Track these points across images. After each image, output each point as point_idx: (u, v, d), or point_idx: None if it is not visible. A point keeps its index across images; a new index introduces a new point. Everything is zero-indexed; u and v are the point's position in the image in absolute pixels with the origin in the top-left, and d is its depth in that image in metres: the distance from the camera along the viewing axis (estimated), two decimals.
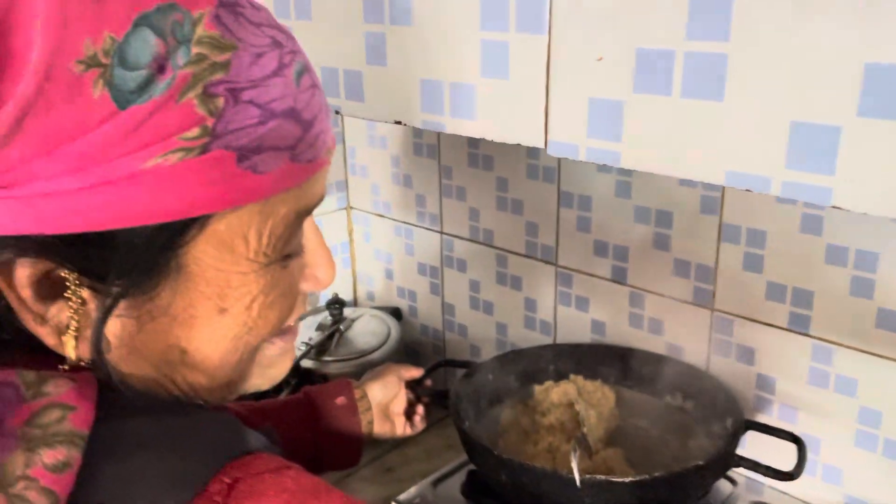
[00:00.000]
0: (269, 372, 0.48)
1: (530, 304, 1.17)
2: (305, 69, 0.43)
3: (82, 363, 0.41)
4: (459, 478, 0.98)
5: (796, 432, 0.86)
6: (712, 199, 0.93)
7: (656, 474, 0.76)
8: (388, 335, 1.26)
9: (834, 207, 0.43)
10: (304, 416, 0.87)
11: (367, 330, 1.28)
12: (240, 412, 0.85)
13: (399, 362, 1.04)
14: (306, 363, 1.20)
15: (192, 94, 0.37)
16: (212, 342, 0.43)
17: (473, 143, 1.16)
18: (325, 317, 1.28)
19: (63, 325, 0.40)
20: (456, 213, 1.22)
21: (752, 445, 0.92)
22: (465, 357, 1.27)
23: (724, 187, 0.92)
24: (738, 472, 0.99)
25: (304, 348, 1.20)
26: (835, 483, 0.92)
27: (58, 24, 0.34)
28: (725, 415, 0.91)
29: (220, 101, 0.37)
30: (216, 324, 0.42)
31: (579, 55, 0.52)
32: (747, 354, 0.95)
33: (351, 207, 1.41)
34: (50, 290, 0.39)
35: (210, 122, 0.37)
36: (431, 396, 1.01)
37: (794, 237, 0.87)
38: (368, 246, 1.40)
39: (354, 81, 0.68)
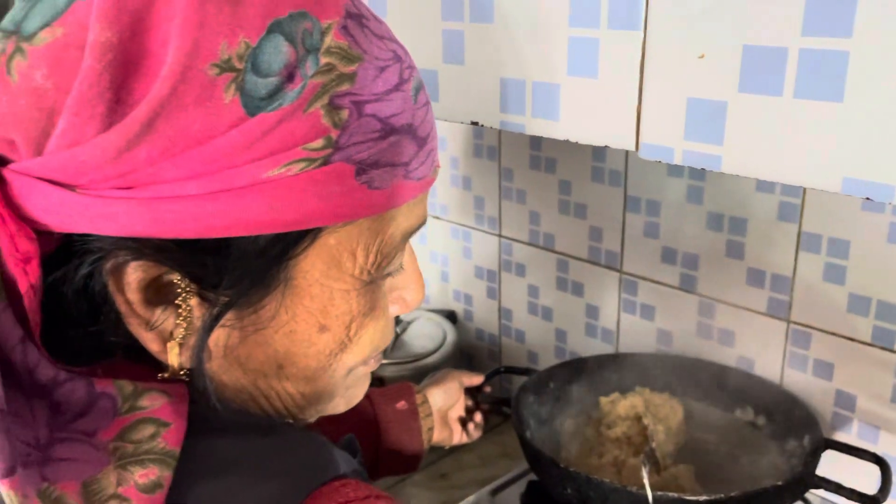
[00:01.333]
0: (350, 392, 0.47)
1: (592, 311, 1.14)
2: (421, 85, 0.42)
3: (182, 372, 0.40)
4: (518, 488, 0.96)
5: (877, 453, 0.81)
6: (791, 206, 0.89)
7: (732, 494, 0.72)
8: (444, 339, 1.24)
9: None
10: (364, 419, 0.86)
11: (423, 333, 1.26)
12: None
13: (455, 367, 1.02)
14: None
15: (319, 104, 0.36)
16: (309, 358, 0.42)
17: (535, 144, 1.13)
18: None
19: (168, 332, 0.39)
20: (516, 216, 1.20)
21: (828, 466, 0.88)
22: (523, 364, 1.24)
23: (804, 194, 0.88)
24: (815, 494, 0.94)
25: None
26: None
27: (195, 24, 0.34)
28: (802, 432, 0.86)
29: (345, 114, 0.37)
30: (315, 340, 0.41)
31: (678, 53, 0.49)
32: (825, 369, 0.91)
33: None
34: (158, 295, 0.38)
35: (335, 134, 0.36)
36: (491, 404, 0.98)
37: (881, 247, 0.83)
38: (424, 248, 1.39)
39: (429, 80, 0.66)
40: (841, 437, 0.90)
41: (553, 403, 0.99)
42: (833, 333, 0.89)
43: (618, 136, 0.54)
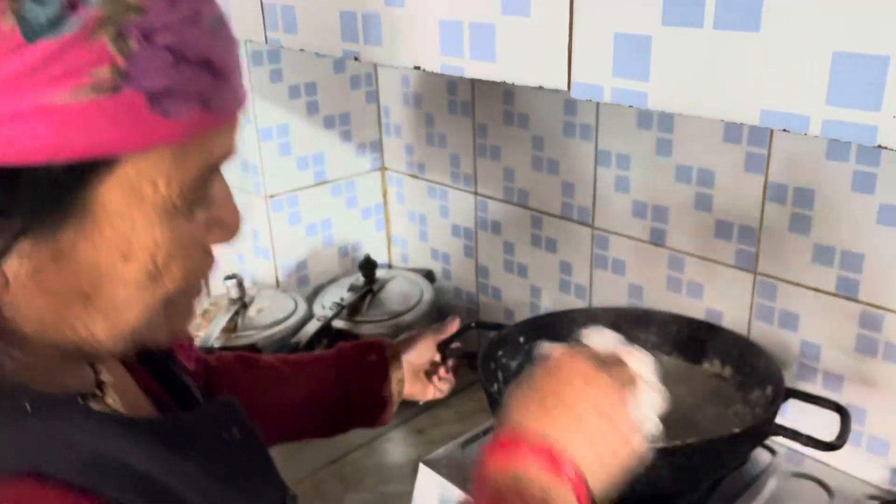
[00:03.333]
0: (172, 324, 0.47)
1: (565, 267, 1.14)
2: (223, 20, 0.42)
3: None
4: (489, 440, 0.97)
5: (841, 402, 0.81)
6: (758, 157, 0.88)
7: (690, 441, 0.73)
8: (421, 297, 1.25)
9: (879, 147, 0.39)
10: (335, 371, 0.87)
11: (400, 292, 1.26)
12: (274, 364, 0.85)
13: (432, 326, 1.02)
14: (338, 324, 1.19)
15: (104, 33, 0.36)
16: (116, 288, 0.42)
17: (509, 99, 1.12)
18: (357, 278, 1.27)
19: None
20: (490, 173, 1.19)
21: (794, 415, 0.88)
22: (499, 320, 1.24)
23: (770, 144, 0.87)
24: (779, 443, 0.95)
25: (335, 309, 1.19)
26: (880, 455, 0.87)
27: None
28: (766, 382, 0.87)
29: (133, 43, 0.37)
30: (120, 270, 0.41)
31: None
32: (791, 321, 0.91)
33: (385, 168, 1.39)
34: None
35: (121, 63, 0.37)
36: (459, 358, 0.99)
37: (845, 196, 0.82)
38: (402, 207, 1.38)
39: (373, 26, 0.65)
40: (806, 387, 0.90)
41: (524, 357, 1.00)
42: (798, 284, 0.89)
43: (551, 76, 0.53)
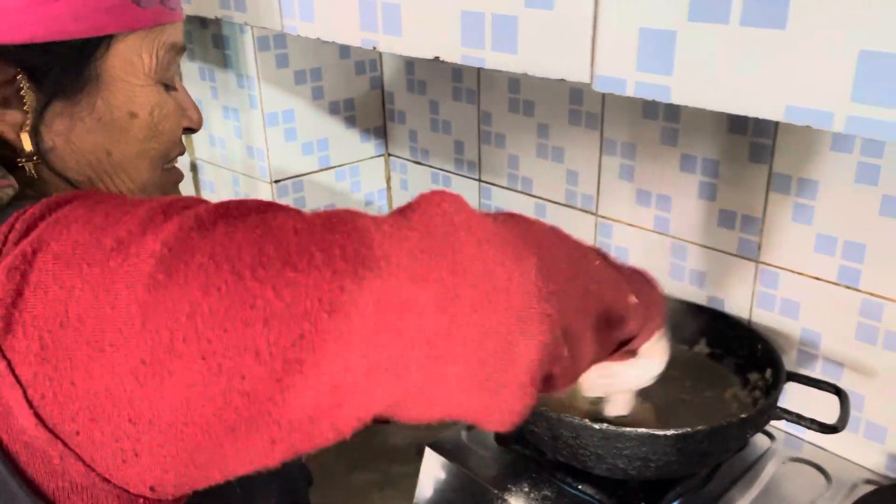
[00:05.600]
0: (166, 189, 0.61)
1: None
2: None
3: (35, 158, 0.53)
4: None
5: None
6: (763, 147, 0.89)
7: (699, 427, 0.74)
8: None
9: None
10: None
11: None
12: None
13: None
14: None
15: None
16: (129, 144, 0.56)
17: (514, 87, 1.13)
18: None
19: (17, 123, 0.52)
20: (495, 160, 1.20)
21: (793, 401, 0.90)
22: None
23: (775, 135, 0.88)
24: (778, 428, 0.97)
25: None
26: (878, 441, 0.89)
27: None
28: (765, 366, 0.88)
29: None
30: (129, 126, 0.55)
31: None
32: (792, 308, 0.93)
33: (389, 154, 1.40)
34: (6, 95, 0.51)
35: None
36: None
37: (848, 187, 0.84)
38: (406, 193, 1.39)
39: (392, 15, 0.66)
40: (806, 374, 0.92)
41: None
42: (800, 273, 0.91)
43: (573, 69, 0.54)
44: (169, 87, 0.59)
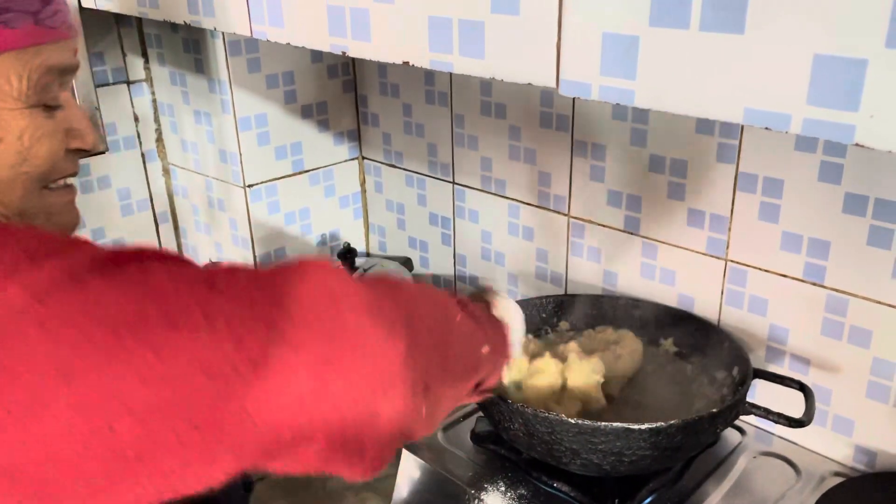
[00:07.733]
0: (56, 219, 0.58)
1: (542, 255, 1.16)
2: None
3: None
4: (468, 424, 0.99)
5: (807, 383, 0.85)
6: (729, 147, 0.91)
7: (672, 422, 0.75)
8: None
9: (856, 146, 0.41)
10: None
11: None
12: None
13: None
14: None
15: None
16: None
17: (486, 90, 1.14)
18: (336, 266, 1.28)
19: None
20: (468, 162, 1.21)
21: (762, 396, 0.92)
22: None
23: (741, 135, 0.90)
24: (749, 423, 0.99)
25: None
26: (845, 434, 0.91)
27: None
28: (732, 364, 0.90)
29: None
30: None
31: None
32: (760, 305, 0.94)
33: (363, 157, 1.40)
34: None
35: None
36: None
37: (812, 186, 0.86)
38: (380, 196, 1.39)
39: (361, 20, 0.66)
40: (774, 369, 0.93)
41: None
42: (767, 270, 0.92)
43: (539, 73, 0.55)
44: (53, 107, 0.56)
